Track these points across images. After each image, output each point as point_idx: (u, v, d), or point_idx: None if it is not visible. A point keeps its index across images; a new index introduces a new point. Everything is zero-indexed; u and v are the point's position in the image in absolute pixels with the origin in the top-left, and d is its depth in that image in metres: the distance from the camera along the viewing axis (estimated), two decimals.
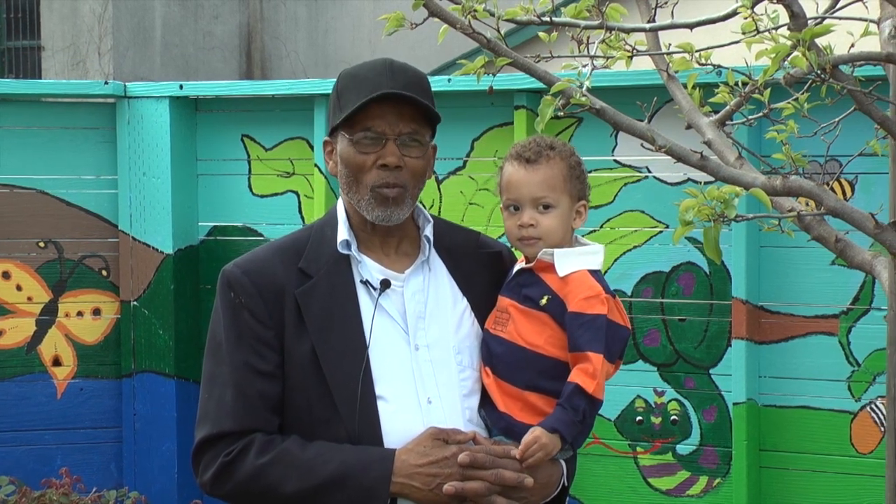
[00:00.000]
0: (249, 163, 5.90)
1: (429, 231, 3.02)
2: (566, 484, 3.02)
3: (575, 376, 2.90)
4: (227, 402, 2.91)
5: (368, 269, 2.97)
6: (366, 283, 2.96)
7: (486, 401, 3.00)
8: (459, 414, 2.95)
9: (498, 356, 2.97)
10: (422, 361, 2.95)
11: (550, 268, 2.99)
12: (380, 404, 2.89)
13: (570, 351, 2.93)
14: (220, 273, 3.00)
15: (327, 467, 2.83)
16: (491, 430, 2.99)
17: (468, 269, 3.07)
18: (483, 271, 3.08)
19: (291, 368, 2.91)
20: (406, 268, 3.00)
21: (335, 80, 3.05)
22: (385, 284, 2.95)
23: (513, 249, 3.19)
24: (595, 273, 3.01)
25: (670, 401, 5.29)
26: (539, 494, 2.95)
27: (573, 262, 3.00)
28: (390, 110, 2.91)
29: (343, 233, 2.97)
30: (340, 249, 2.96)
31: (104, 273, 5.93)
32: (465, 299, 3.04)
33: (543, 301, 2.97)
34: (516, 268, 3.06)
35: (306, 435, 2.90)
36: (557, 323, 2.96)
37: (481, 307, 3.04)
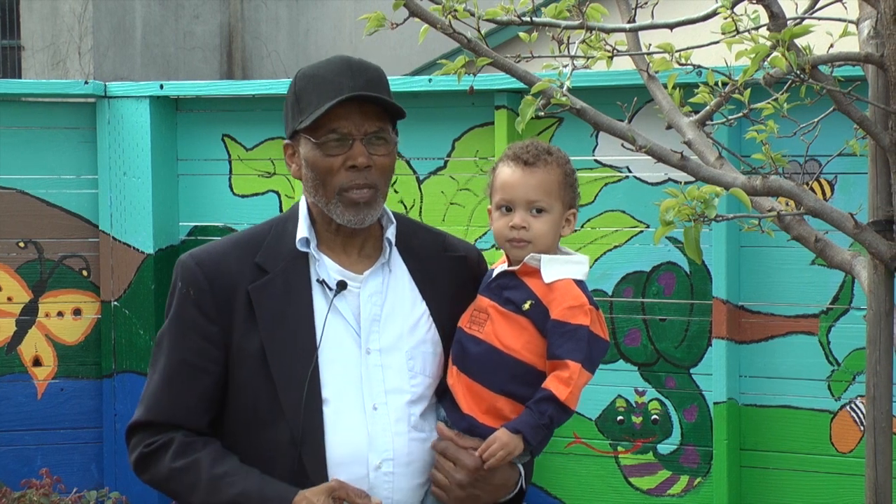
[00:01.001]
0: (230, 163, 5.89)
1: (391, 233, 2.97)
2: (524, 486, 3.00)
3: (549, 383, 2.88)
4: (159, 392, 2.92)
5: (326, 268, 2.93)
6: (322, 282, 2.92)
7: (447, 399, 2.97)
8: (405, 421, 2.91)
9: (472, 356, 2.94)
10: (371, 366, 2.91)
11: (535, 273, 2.96)
12: (325, 408, 2.86)
13: (549, 358, 2.90)
14: (176, 260, 2.99)
15: (229, 491, 2.82)
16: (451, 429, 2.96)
17: (431, 271, 3.02)
18: (446, 275, 3.04)
19: (239, 365, 2.88)
20: (367, 269, 2.96)
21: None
22: (341, 286, 2.91)
23: (484, 252, 3.16)
24: (580, 283, 2.98)
25: (651, 400, 5.30)
26: (492, 495, 2.93)
27: (560, 269, 2.97)
28: (355, 110, 2.86)
29: (303, 230, 2.93)
30: (299, 247, 2.92)
31: (84, 273, 5.91)
32: (423, 303, 2.99)
33: (526, 306, 2.94)
34: (498, 269, 3.03)
35: (250, 434, 2.88)
36: (538, 329, 2.93)
37: (440, 311, 3.00)
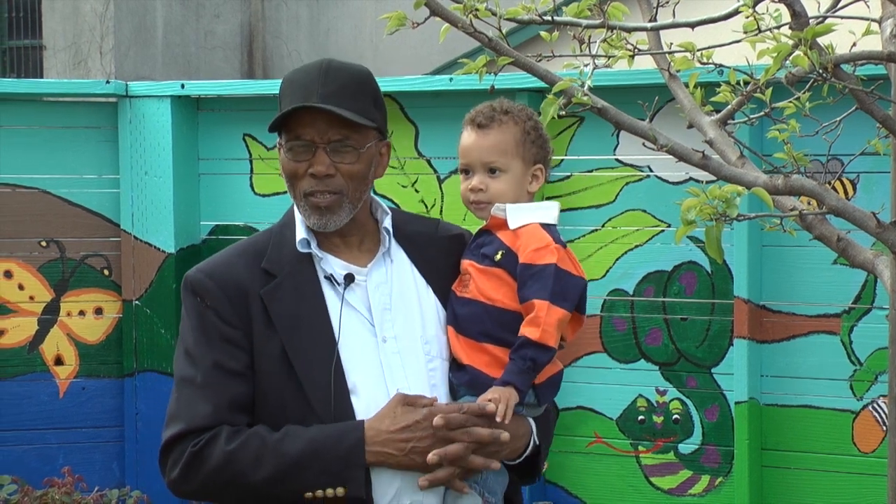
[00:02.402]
0: (251, 162, 5.90)
1: (387, 223, 3.01)
2: (537, 442, 3.00)
3: (522, 328, 2.92)
4: (196, 401, 2.88)
5: (331, 264, 2.96)
6: (330, 278, 2.94)
7: (452, 363, 3.01)
8: None
9: (463, 317, 2.99)
10: (390, 353, 2.94)
11: (504, 224, 3.02)
12: (352, 399, 2.88)
13: (521, 303, 2.95)
14: (182, 279, 2.99)
15: (297, 445, 2.81)
16: (457, 390, 2.99)
17: (430, 255, 3.06)
18: (445, 256, 3.07)
19: (263, 369, 2.89)
20: (369, 261, 2.99)
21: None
22: (349, 279, 2.94)
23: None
24: (548, 227, 3.03)
25: (672, 400, 5.29)
26: (508, 447, 2.93)
27: (525, 215, 3.03)
28: (320, 117, 2.87)
29: (301, 232, 2.95)
30: (300, 248, 2.94)
31: (106, 272, 5.93)
32: (429, 287, 3.03)
33: (498, 256, 2.99)
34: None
35: None
36: (512, 277, 2.98)
37: (445, 293, 3.04)
